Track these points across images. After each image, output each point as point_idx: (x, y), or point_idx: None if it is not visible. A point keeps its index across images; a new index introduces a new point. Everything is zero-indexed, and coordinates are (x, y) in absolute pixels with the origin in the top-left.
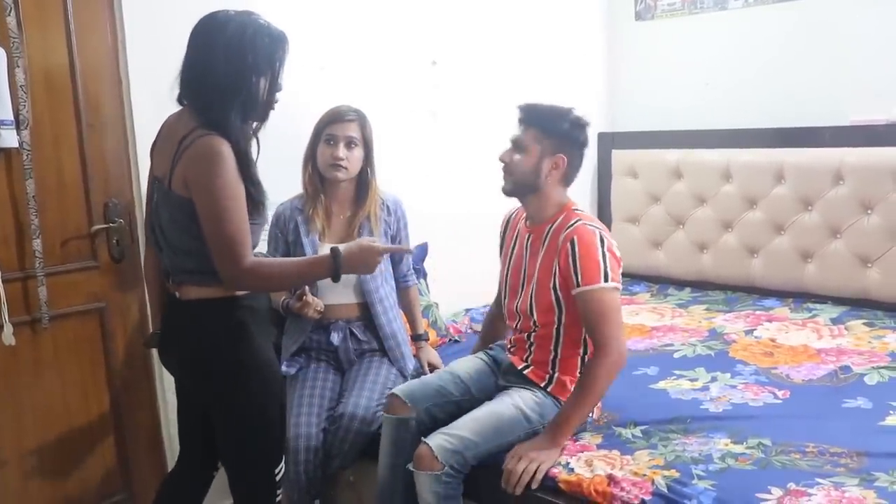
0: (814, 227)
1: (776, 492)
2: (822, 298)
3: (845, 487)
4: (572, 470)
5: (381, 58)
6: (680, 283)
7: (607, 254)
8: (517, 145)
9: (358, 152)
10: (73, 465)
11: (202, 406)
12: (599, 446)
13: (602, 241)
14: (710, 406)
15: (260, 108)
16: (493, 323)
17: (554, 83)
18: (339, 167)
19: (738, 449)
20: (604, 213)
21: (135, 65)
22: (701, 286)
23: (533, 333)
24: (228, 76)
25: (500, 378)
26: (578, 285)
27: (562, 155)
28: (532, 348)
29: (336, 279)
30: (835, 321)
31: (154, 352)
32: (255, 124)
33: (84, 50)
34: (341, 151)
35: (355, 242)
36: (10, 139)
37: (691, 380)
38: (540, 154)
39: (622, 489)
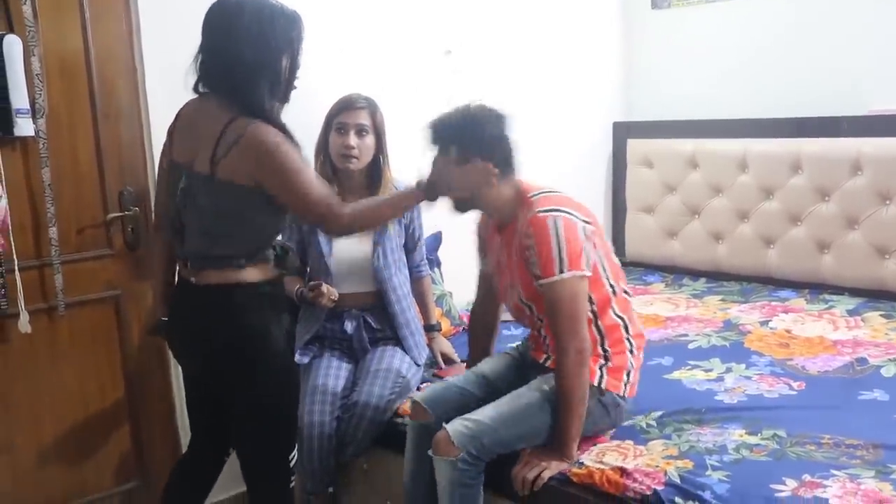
0: (831, 217)
1: (791, 483)
2: (838, 290)
3: (861, 479)
4: (582, 464)
5: (396, 47)
6: (695, 274)
7: (562, 241)
8: None
9: (369, 140)
10: (88, 451)
11: (215, 391)
12: (613, 437)
13: (556, 226)
14: (724, 397)
15: (283, 89)
16: (479, 329)
17: (569, 72)
18: (350, 157)
19: (753, 440)
20: (618, 203)
21: (149, 52)
22: (716, 276)
23: (541, 327)
24: (253, 60)
25: (530, 373)
26: (539, 278)
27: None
28: (546, 340)
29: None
30: (851, 313)
31: None
32: (281, 104)
33: (99, 38)
34: (352, 140)
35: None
36: (27, 128)
37: (706, 370)
38: None
39: (634, 480)
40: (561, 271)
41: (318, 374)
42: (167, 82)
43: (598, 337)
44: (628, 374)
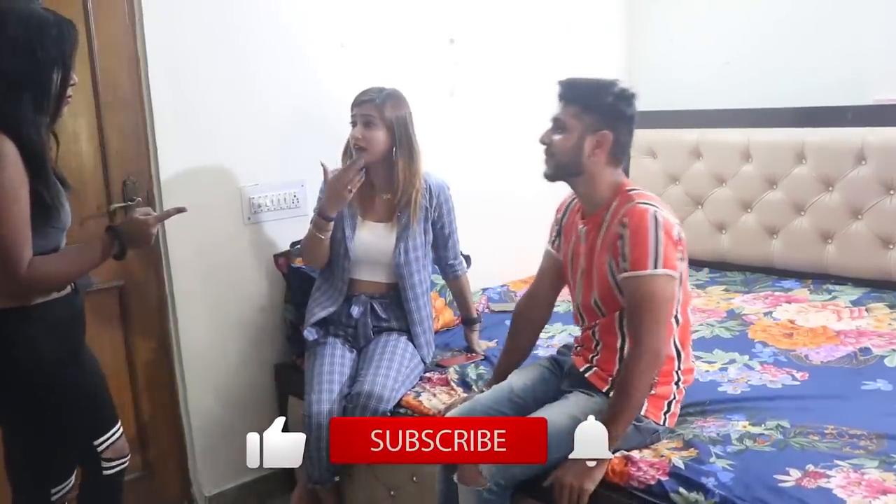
0: (835, 207)
1: (794, 473)
2: (842, 280)
3: (864, 469)
4: None
5: (400, 36)
6: (698, 264)
7: (661, 236)
8: (557, 124)
9: (379, 132)
10: None
11: None
12: None
13: (656, 220)
14: (728, 388)
15: (53, 103)
16: (522, 324)
17: (572, 60)
18: (358, 147)
19: (757, 430)
20: None
21: (152, 42)
22: (720, 267)
23: (596, 328)
24: (15, 71)
25: (564, 382)
26: (625, 270)
27: (606, 132)
28: (598, 347)
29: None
30: (855, 303)
31: (173, 329)
32: (48, 119)
33: (101, 27)
34: (358, 131)
35: (129, 217)
36: None
37: (709, 361)
38: (581, 132)
39: (639, 469)
40: (655, 266)
41: (324, 362)
42: (170, 71)
43: None
44: (669, 404)
